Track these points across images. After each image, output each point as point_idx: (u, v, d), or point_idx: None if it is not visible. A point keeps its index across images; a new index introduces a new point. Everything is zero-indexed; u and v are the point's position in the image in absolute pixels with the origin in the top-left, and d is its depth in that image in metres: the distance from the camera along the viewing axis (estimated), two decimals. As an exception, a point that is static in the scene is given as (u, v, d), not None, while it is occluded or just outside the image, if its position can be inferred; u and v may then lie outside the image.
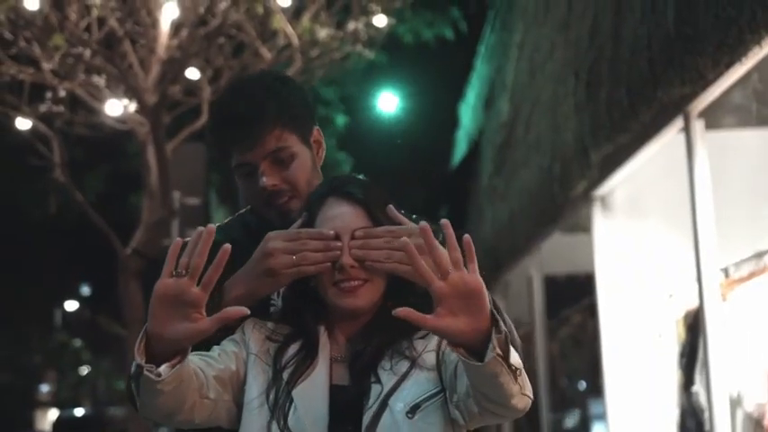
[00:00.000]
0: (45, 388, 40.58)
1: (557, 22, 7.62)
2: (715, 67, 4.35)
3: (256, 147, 2.42)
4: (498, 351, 1.91)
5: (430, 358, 2.21)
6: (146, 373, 1.92)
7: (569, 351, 10.68)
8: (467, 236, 1.97)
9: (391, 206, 2.22)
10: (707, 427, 5.34)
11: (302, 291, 2.27)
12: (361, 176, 2.43)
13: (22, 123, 8.30)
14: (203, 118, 9.05)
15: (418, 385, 2.17)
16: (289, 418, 2.14)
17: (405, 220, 2.23)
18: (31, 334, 32.80)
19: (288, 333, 2.28)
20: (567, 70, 7.02)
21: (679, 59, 4.62)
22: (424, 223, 2.00)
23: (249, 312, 1.99)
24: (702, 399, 5.53)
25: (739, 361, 5.17)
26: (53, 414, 36.29)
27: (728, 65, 4.26)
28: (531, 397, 2.08)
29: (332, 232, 2.22)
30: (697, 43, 4.39)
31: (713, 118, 5.21)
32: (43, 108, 8.30)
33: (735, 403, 5.16)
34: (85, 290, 38.66)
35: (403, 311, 1.94)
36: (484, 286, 1.95)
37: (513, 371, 1.96)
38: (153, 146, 8.21)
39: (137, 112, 8.43)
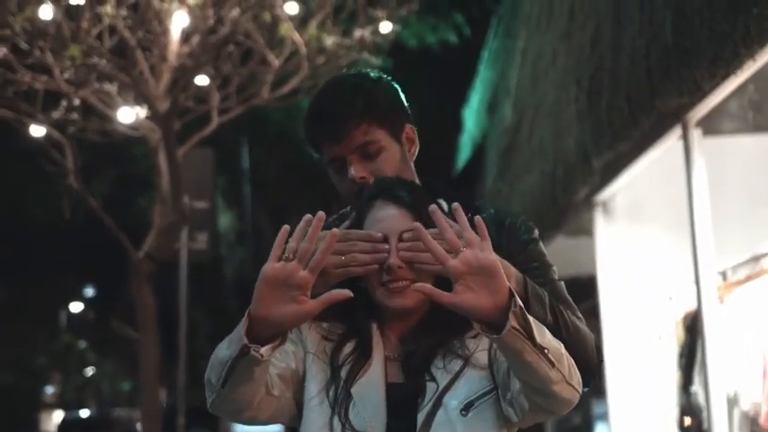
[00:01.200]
0: (50, 389, 40.52)
1: (559, 31, 7.70)
2: (711, 79, 4.45)
3: (344, 141, 2.50)
4: (514, 324, 1.98)
5: (482, 357, 2.27)
6: (252, 353, 2.01)
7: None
8: (478, 216, 2.07)
9: (435, 207, 2.16)
10: (705, 425, 5.44)
11: (353, 291, 2.22)
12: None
13: (36, 130, 8.39)
14: (213, 124, 9.18)
15: (471, 383, 2.23)
16: (350, 414, 2.21)
17: (446, 225, 2.15)
18: (36, 335, 32.74)
19: (342, 332, 2.35)
20: (569, 78, 7.10)
21: (676, 71, 4.72)
22: (433, 206, 2.11)
23: (352, 295, 2.07)
24: (701, 398, 5.64)
25: (736, 361, 5.28)
26: (58, 415, 36.21)
27: (724, 77, 4.37)
28: (579, 389, 2.13)
29: (380, 234, 2.27)
30: (693, 56, 4.49)
31: (711, 125, 5.30)
32: (56, 115, 8.40)
33: (732, 402, 5.26)
34: (90, 291, 38.54)
35: (421, 286, 2.06)
36: (498, 263, 2.03)
37: (543, 352, 2.02)
38: (164, 152, 8.32)
39: (148, 118, 8.54)
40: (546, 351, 2.03)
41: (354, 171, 2.52)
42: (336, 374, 2.27)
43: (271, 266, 2.04)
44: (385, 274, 2.26)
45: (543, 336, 2.05)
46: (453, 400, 2.20)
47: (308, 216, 2.08)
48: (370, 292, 2.31)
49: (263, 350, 2.03)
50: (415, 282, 2.21)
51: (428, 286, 2.06)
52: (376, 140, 2.54)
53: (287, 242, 2.08)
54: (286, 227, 2.07)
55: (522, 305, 2.02)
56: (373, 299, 2.32)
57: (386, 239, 2.28)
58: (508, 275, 2.17)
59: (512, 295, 2.02)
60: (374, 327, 2.34)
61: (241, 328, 2.04)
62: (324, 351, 2.32)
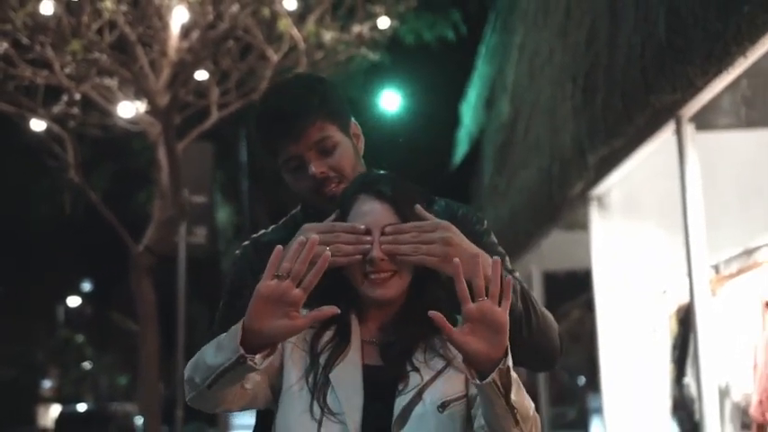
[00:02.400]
0: (48, 383, 40.53)
1: (555, 28, 7.77)
2: (704, 76, 4.52)
3: (301, 139, 2.58)
4: (496, 379, 2.10)
5: (462, 363, 2.34)
6: (249, 362, 2.14)
7: (568, 346, 10.85)
8: (509, 277, 2.18)
9: (418, 205, 2.37)
10: (697, 416, 5.50)
11: (336, 279, 2.39)
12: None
13: (37, 125, 8.45)
14: (212, 119, 9.25)
15: (450, 384, 2.33)
16: (328, 399, 2.30)
17: (429, 216, 2.38)
18: (34, 330, 32.76)
19: (321, 321, 2.42)
20: (565, 75, 7.17)
21: (670, 68, 4.79)
22: (496, 258, 2.19)
23: (339, 311, 2.21)
24: (693, 390, 5.71)
25: (728, 353, 5.36)
26: (56, 410, 36.18)
27: (716, 74, 4.43)
28: None
29: (363, 227, 2.37)
30: (687, 53, 4.56)
31: (704, 121, 5.36)
32: (57, 110, 8.46)
33: (723, 393, 5.35)
34: (87, 286, 38.55)
35: (435, 315, 2.15)
36: (507, 324, 2.15)
37: (513, 410, 2.14)
38: (164, 146, 8.38)
39: (148, 113, 8.60)
40: (515, 410, 2.15)
41: (314, 167, 2.60)
42: (315, 361, 2.36)
43: (266, 284, 2.15)
44: (368, 266, 2.36)
45: (519, 395, 2.16)
46: (432, 397, 2.30)
47: (302, 238, 2.19)
48: (353, 283, 2.40)
49: (258, 359, 2.16)
50: (395, 273, 2.36)
51: (442, 317, 2.15)
52: (330, 136, 2.63)
53: (281, 262, 2.18)
54: (279, 247, 2.17)
55: (510, 365, 2.14)
56: (355, 289, 2.41)
57: (369, 232, 2.37)
58: (485, 262, 2.25)
59: (506, 354, 2.13)
60: (353, 314, 2.43)
61: (235, 338, 2.16)
62: (304, 339, 2.40)
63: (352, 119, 2.76)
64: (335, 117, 2.66)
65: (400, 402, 2.30)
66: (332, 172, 2.61)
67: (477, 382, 2.13)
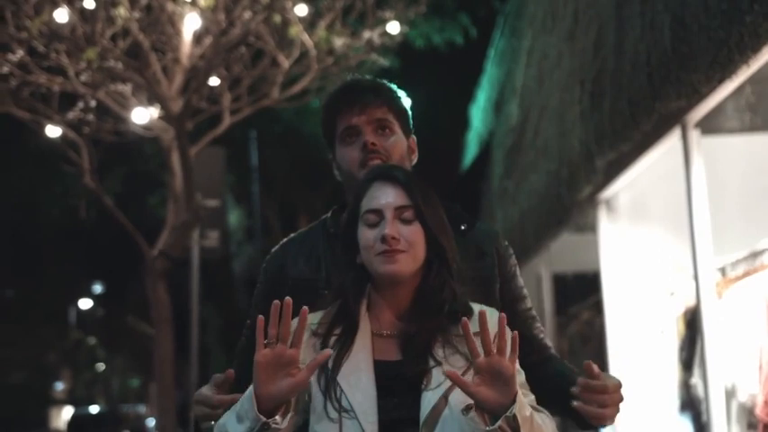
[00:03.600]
0: (60, 386, 40.61)
1: (563, 33, 7.83)
2: (708, 83, 4.60)
3: (365, 112, 2.74)
4: (503, 425, 2.23)
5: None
6: (273, 426, 2.26)
7: (578, 347, 10.88)
8: (515, 332, 2.29)
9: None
10: (704, 417, 5.58)
11: (351, 267, 2.52)
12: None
13: (52, 131, 8.54)
14: (224, 124, 9.33)
15: None
16: (342, 400, 2.37)
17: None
18: (46, 333, 32.83)
19: (329, 321, 2.50)
20: (573, 79, 7.24)
21: (675, 75, 4.86)
22: (503, 315, 2.33)
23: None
24: (700, 391, 5.78)
25: (734, 354, 5.41)
26: (68, 412, 36.28)
27: (720, 80, 4.50)
28: None
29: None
30: (691, 60, 4.64)
31: (709, 126, 5.43)
32: (72, 116, 8.54)
33: (730, 394, 5.40)
34: (98, 288, 38.59)
35: (450, 372, 2.27)
36: (515, 375, 2.26)
37: None
38: (177, 151, 8.46)
39: (161, 118, 8.68)
40: None
41: (369, 137, 2.73)
42: (325, 365, 2.41)
43: (261, 354, 2.26)
44: (380, 244, 2.43)
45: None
46: (455, 399, 2.35)
47: (276, 302, 2.28)
48: (367, 266, 2.49)
49: (278, 419, 2.28)
50: (406, 251, 2.43)
51: (455, 373, 2.27)
52: (391, 123, 2.78)
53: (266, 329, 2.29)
54: (261, 317, 2.27)
55: (516, 413, 2.25)
56: (369, 273, 2.50)
57: (382, 213, 2.46)
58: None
59: (513, 401, 2.25)
60: (363, 306, 2.51)
61: (252, 407, 2.27)
62: (313, 348, 2.45)
63: (413, 135, 2.88)
64: (400, 116, 2.81)
65: (428, 400, 2.36)
66: (381, 149, 2.73)
67: (488, 427, 2.24)
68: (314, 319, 2.50)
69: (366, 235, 2.48)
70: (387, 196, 2.48)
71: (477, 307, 2.48)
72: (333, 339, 2.46)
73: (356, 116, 2.75)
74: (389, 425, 2.35)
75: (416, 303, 2.49)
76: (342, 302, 2.52)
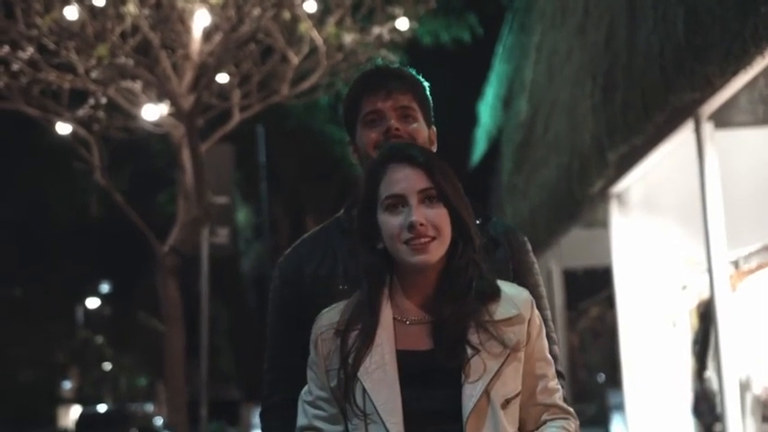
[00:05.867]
0: (68, 384, 40.65)
1: (574, 27, 7.83)
2: (722, 75, 4.59)
3: (391, 97, 2.72)
4: None
5: (520, 347, 2.31)
6: None
7: (588, 343, 10.89)
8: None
9: None
10: (719, 409, 5.60)
11: (373, 253, 2.39)
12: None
13: (63, 128, 8.54)
14: (234, 120, 9.33)
15: (513, 378, 2.29)
16: (365, 402, 2.26)
17: None
18: (54, 331, 32.87)
19: (349, 318, 2.36)
20: (584, 73, 7.24)
21: (689, 67, 4.86)
22: None
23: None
24: (714, 383, 5.79)
25: (748, 347, 5.43)
26: (76, 410, 36.30)
27: (734, 73, 4.50)
28: None
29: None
30: (705, 53, 4.64)
31: (722, 119, 5.43)
32: (82, 113, 8.54)
33: (744, 387, 5.41)
34: (105, 287, 38.62)
35: None
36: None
37: None
38: (187, 148, 8.46)
39: (171, 115, 8.68)
40: None
41: (393, 123, 2.71)
42: (346, 362, 2.30)
43: None
44: (407, 232, 2.30)
45: None
46: (498, 393, 2.24)
47: None
48: (392, 254, 2.34)
49: None
50: (435, 238, 2.30)
51: None
52: (416, 111, 2.76)
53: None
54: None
55: None
56: (394, 260, 2.36)
57: (405, 198, 2.33)
58: None
59: None
60: (385, 294, 2.37)
61: None
62: (338, 350, 2.35)
63: (434, 126, 2.86)
64: (424, 106, 2.78)
65: (469, 393, 2.23)
66: (405, 134, 2.70)
67: None
68: (334, 317, 2.40)
69: (390, 222, 2.33)
70: (408, 179, 2.35)
71: (504, 286, 2.39)
72: (354, 334, 2.33)
73: (381, 101, 2.72)
74: (420, 418, 2.24)
75: (443, 286, 2.35)
76: (361, 293, 2.39)
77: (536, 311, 2.32)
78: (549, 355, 2.40)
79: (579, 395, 11.73)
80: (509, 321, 2.30)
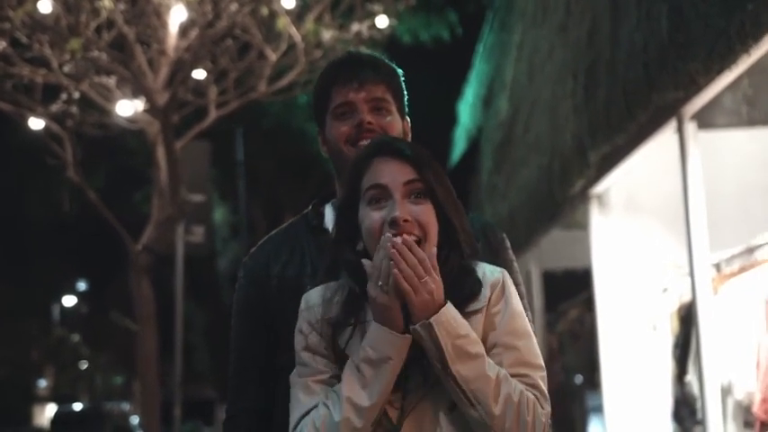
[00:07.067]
0: (43, 383, 40.51)
1: (555, 25, 7.75)
2: (706, 74, 4.51)
3: (363, 89, 2.59)
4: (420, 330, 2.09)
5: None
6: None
7: (568, 345, 10.84)
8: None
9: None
10: (699, 415, 5.52)
11: (353, 252, 2.24)
12: None
13: (35, 123, 8.43)
14: (210, 117, 9.23)
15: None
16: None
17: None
18: (29, 329, 32.76)
19: (335, 317, 2.23)
20: (566, 72, 7.16)
21: (672, 65, 4.78)
22: None
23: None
24: (695, 388, 5.71)
25: (730, 351, 5.35)
26: (51, 409, 36.17)
27: (719, 71, 4.42)
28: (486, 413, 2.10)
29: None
30: (689, 50, 4.54)
31: (706, 119, 5.38)
32: (55, 108, 8.42)
33: (726, 392, 5.35)
34: (82, 285, 38.53)
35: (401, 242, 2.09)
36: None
37: (454, 379, 2.09)
38: (162, 145, 8.36)
39: (146, 111, 8.58)
40: (458, 381, 2.12)
41: (365, 116, 2.58)
42: (343, 357, 2.18)
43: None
44: (390, 228, 2.15)
45: (469, 370, 2.11)
46: (442, 396, 2.16)
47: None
48: (371, 253, 2.19)
49: None
50: (420, 239, 2.16)
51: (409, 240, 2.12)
52: (389, 103, 2.63)
53: None
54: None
55: (431, 322, 2.10)
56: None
57: (388, 190, 2.19)
58: None
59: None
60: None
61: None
62: (329, 345, 2.24)
63: (408, 118, 2.75)
64: (397, 96, 2.66)
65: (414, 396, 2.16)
66: (377, 128, 2.57)
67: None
68: (315, 299, 2.28)
69: (371, 216, 2.19)
70: (392, 171, 2.20)
71: (483, 267, 2.28)
72: (348, 331, 2.20)
73: (353, 92, 2.59)
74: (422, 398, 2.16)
75: None
76: (349, 292, 2.24)
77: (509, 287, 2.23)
78: (527, 331, 2.25)
79: (559, 397, 11.66)
80: (474, 314, 2.20)
